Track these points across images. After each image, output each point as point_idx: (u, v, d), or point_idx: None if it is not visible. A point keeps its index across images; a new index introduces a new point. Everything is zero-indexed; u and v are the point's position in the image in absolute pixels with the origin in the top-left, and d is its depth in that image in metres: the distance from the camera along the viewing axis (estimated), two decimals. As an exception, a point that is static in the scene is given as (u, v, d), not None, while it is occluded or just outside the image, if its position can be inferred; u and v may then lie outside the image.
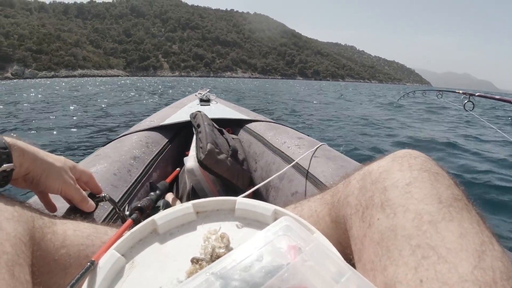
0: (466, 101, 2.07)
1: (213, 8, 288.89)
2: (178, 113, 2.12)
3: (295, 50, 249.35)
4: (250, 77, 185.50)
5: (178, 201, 1.24)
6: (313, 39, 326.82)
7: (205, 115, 1.51)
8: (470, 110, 2.02)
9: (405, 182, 0.49)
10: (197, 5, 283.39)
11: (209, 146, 1.20)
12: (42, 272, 0.51)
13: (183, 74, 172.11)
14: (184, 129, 1.88)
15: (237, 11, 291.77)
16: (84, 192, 0.72)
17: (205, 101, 2.57)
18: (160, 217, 0.54)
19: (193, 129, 1.42)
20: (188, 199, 1.27)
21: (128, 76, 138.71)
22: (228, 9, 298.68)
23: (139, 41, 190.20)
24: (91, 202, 0.73)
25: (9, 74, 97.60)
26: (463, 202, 0.45)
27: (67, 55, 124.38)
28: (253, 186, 1.01)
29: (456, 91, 2.38)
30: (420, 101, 13.14)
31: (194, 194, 1.29)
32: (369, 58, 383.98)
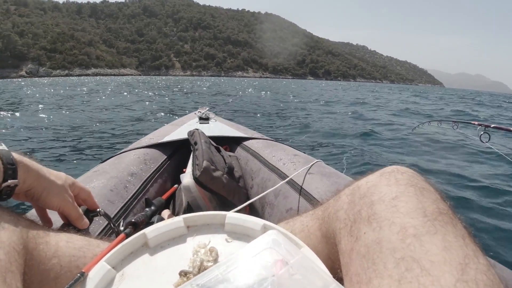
0: (482, 133, 2.04)
1: (225, 7, 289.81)
2: (178, 130, 2.16)
3: (306, 50, 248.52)
4: (261, 77, 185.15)
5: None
6: (324, 38, 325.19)
7: (202, 133, 1.54)
8: (487, 142, 2.01)
9: (391, 196, 0.49)
10: (209, 5, 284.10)
11: (205, 163, 1.21)
12: (33, 281, 0.52)
13: (194, 73, 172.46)
14: (182, 146, 1.90)
15: (248, 11, 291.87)
16: (80, 210, 0.73)
17: (204, 119, 2.60)
18: (151, 230, 0.55)
19: (191, 147, 1.44)
20: None
21: (140, 75, 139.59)
22: (240, 8, 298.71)
23: (151, 41, 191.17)
24: (86, 220, 0.74)
25: (23, 73, 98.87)
26: (448, 216, 0.46)
27: (80, 54, 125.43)
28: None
29: (472, 122, 2.35)
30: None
31: (190, 210, 1.28)
32: (381, 58, 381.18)
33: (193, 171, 1.23)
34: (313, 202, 1.07)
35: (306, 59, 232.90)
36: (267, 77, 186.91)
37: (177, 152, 1.87)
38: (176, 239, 0.56)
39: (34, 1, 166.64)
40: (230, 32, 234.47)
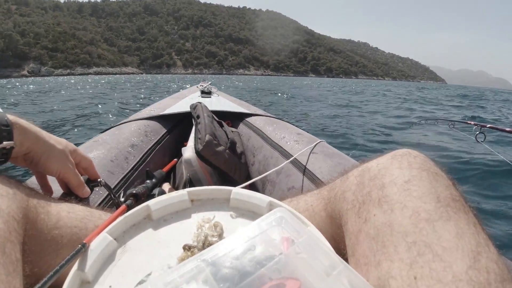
0: (477, 133, 2.07)
1: (226, 5, 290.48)
2: (179, 103, 2.13)
3: (308, 47, 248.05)
4: (262, 74, 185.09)
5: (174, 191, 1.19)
6: (325, 36, 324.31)
7: (205, 106, 1.51)
8: (482, 141, 2.03)
9: (403, 179, 0.49)
10: (210, 3, 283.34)
11: (207, 137, 1.19)
12: (34, 251, 0.50)
13: (196, 71, 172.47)
14: (184, 119, 1.88)
15: (249, 8, 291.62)
16: (81, 178, 0.71)
17: (206, 93, 2.56)
18: (154, 203, 0.54)
19: (193, 120, 1.42)
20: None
21: (142, 73, 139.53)
22: (241, 6, 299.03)
23: (152, 39, 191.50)
24: (87, 189, 0.73)
25: (25, 72, 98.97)
26: (460, 203, 0.45)
27: (82, 53, 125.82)
28: (250, 179, 1.01)
29: (468, 122, 2.38)
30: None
31: (191, 184, 1.28)
32: (382, 55, 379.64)
33: (195, 144, 1.21)
34: (316, 181, 1.06)
35: (308, 56, 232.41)
36: (268, 75, 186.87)
37: (178, 125, 1.83)
38: (180, 212, 0.56)
39: (35, 1, 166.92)
40: (231, 29, 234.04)
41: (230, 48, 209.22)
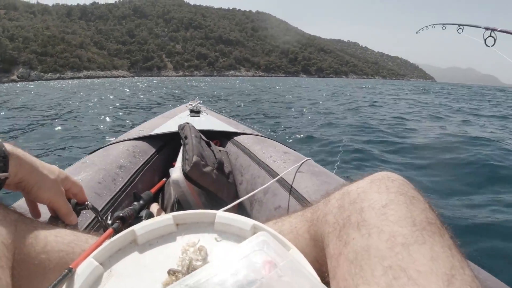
0: (487, 37, 2.00)
1: (216, 7, 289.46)
2: (168, 123, 2.13)
3: (298, 48, 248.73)
4: (253, 76, 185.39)
5: (162, 212, 1.25)
6: (315, 36, 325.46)
7: (193, 127, 1.52)
8: (492, 45, 1.98)
9: (381, 204, 0.50)
10: (200, 5, 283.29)
11: (195, 158, 1.20)
12: (22, 275, 0.51)
13: (187, 73, 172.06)
14: (172, 139, 1.87)
15: (239, 10, 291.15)
16: (70, 206, 0.73)
17: (195, 112, 2.57)
18: (140, 227, 0.54)
19: (181, 141, 1.42)
20: (173, 210, 1.26)
21: (132, 76, 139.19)
22: (231, 7, 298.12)
23: (142, 42, 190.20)
24: (75, 216, 0.73)
25: (15, 77, 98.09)
26: (436, 226, 0.47)
27: (72, 57, 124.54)
28: (238, 199, 1.02)
29: (478, 26, 2.30)
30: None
31: (179, 205, 1.28)
32: (372, 54, 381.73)
33: (182, 165, 1.21)
34: (302, 201, 1.07)
35: (298, 56, 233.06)
36: (260, 76, 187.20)
37: (167, 145, 1.83)
38: (165, 236, 0.56)
39: (24, 5, 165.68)
40: (222, 31, 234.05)
41: (221, 49, 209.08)
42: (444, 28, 3.42)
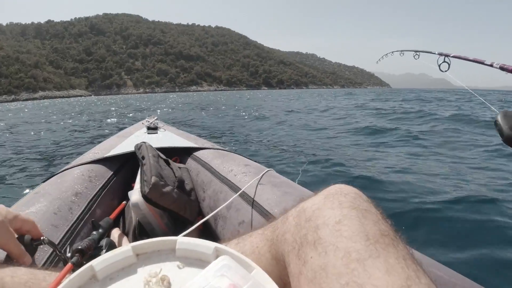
0: (441, 62, 2.07)
1: (174, 23, 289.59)
2: (124, 142, 2.06)
3: (259, 61, 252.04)
4: (216, 90, 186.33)
5: (125, 237, 1.22)
6: (275, 49, 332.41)
7: (150, 146, 1.49)
8: (446, 71, 2.05)
9: (335, 220, 0.51)
10: (158, 21, 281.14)
11: (153, 179, 1.18)
12: None
13: (147, 90, 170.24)
14: (130, 160, 1.80)
15: (198, 25, 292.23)
16: (22, 247, 0.70)
17: (152, 129, 2.54)
18: (98, 262, 0.52)
19: (139, 161, 1.39)
20: (135, 235, 1.27)
21: (90, 95, 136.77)
22: (190, 23, 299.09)
23: (100, 59, 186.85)
24: (28, 257, 0.70)
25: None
26: (389, 237, 0.47)
27: (27, 77, 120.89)
28: (202, 216, 0.97)
29: (432, 52, 2.42)
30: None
31: (141, 228, 1.26)
32: (330, 64, 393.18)
33: (141, 187, 1.19)
34: (264, 214, 1.07)
35: (259, 69, 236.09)
36: (222, 90, 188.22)
37: (125, 166, 1.78)
38: (126, 269, 0.54)
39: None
40: (182, 47, 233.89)
41: (182, 65, 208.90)
42: (402, 54, 3.65)
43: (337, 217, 0.51)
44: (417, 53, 2.96)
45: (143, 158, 1.36)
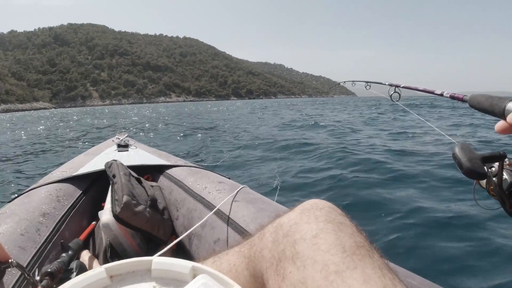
0: (392, 92, 2.01)
1: (142, 33, 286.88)
2: (94, 160, 2.02)
3: (227, 72, 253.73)
4: (184, 101, 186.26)
5: (95, 260, 1.18)
6: (243, 59, 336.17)
7: (121, 164, 1.46)
8: (397, 101, 2.02)
9: (312, 234, 0.51)
10: (125, 31, 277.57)
11: (125, 198, 1.15)
12: None
13: (114, 102, 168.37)
14: (100, 178, 1.75)
15: (166, 36, 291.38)
16: None
17: (123, 146, 2.48)
18: (70, 285, 0.50)
19: (109, 179, 1.35)
20: (105, 257, 1.24)
21: (55, 107, 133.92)
22: (157, 33, 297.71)
23: (65, 71, 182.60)
24: None
25: None
26: (365, 248, 0.49)
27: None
28: (176, 235, 1.02)
29: (383, 83, 2.41)
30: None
31: (112, 250, 1.22)
32: (297, 74, 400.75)
33: (112, 207, 1.15)
34: (240, 231, 1.07)
35: (228, 80, 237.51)
36: (191, 101, 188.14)
37: (94, 185, 1.73)
38: None
39: None
40: (149, 57, 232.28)
41: (149, 76, 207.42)
42: (353, 85, 3.48)
43: (313, 231, 0.52)
44: (368, 83, 2.96)
45: (114, 176, 1.32)
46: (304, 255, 0.49)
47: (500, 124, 0.51)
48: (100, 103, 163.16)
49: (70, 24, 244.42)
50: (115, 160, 1.50)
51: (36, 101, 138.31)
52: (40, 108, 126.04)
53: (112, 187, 1.27)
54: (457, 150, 0.53)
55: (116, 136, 2.79)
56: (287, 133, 9.32)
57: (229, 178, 1.61)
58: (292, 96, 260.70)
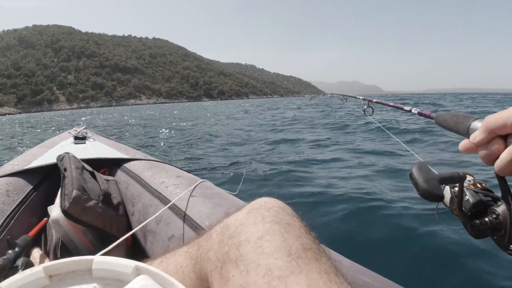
0: (366, 107, 2.13)
1: (109, 34, 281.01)
2: (48, 153, 1.92)
3: (198, 73, 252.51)
4: (155, 103, 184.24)
5: (46, 258, 1.15)
6: (214, 60, 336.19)
7: (73, 156, 1.40)
8: (370, 115, 2.10)
9: (257, 236, 0.50)
10: (92, 32, 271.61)
11: (74, 192, 1.11)
12: None
13: (82, 105, 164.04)
14: (53, 172, 1.64)
15: (135, 37, 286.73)
16: None
17: (80, 138, 2.40)
18: (6, 285, 0.48)
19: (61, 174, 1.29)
20: (56, 254, 1.20)
21: (20, 113, 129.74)
22: (125, 34, 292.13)
23: (30, 74, 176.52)
24: None
25: None
26: (312, 251, 0.47)
27: None
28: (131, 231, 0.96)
29: (357, 97, 2.50)
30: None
31: (63, 247, 1.18)
32: (268, 75, 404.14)
33: (61, 202, 1.10)
34: (195, 227, 1.04)
35: (199, 81, 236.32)
36: (162, 102, 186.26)
37: (47, 179, 1.63)
38: None
39: None
40: (118, 59, 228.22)
41: (118, 78, 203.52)
42: (332, 97, 3.64)
43: (259, 232, 0.50)
44: (345, 97, 3.16)
45: (65, 170, 1.27)
46: (248, 258, 0.47)
47: (464, 143, 0.50)
48: (67, 107, 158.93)
49: (35, 26, 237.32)
50: (67, 153, 1.43)
51: (1, 106, 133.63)
52: (5, 114, 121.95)
53: (62, 181, 1.22)
54: (414, 170, 0.52)
55: (74, 128, 2.70)
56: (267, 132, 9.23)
57: (189, 172, 1.55)
58: (264, 96, 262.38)
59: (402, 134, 5.26)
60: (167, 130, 11.30)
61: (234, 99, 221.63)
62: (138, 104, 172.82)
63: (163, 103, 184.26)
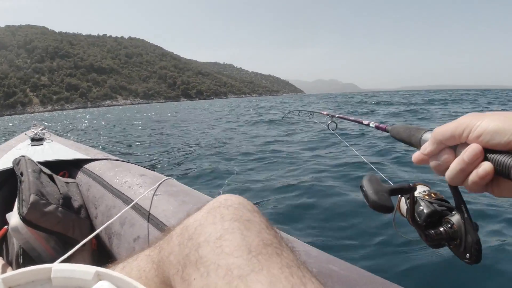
0: (329, 122, 2.11)
1: (84, 34, 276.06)
2: (3, 158, 1.82)
3: (176, 72, 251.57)
4: (132, 104, 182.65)
5: (9, 268, 1.10)
6: (192, 60, 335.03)
7: (30, 160, 1.33)
8: (334, 130, 2.11)
9: (216, 236, 0.49)
10: (66, 32, 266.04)
11: (32, 198, 1.06)
12: None
13: (56, 107, 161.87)
14: (10, 177, 1.57)
15: (110, 36, 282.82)
16: None
17: (37, 140, 2.29)
18: None
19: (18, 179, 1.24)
20: (18, 263, 1.16)
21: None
22: (100, 34, 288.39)
23: (2, 76, 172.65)
24: None
25: None
26: (273, 246, 0.47)
27: None
28: (95, 236, 0.91)
29: (322, 112, 2.54)
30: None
31: (25, 255, 1.14)
32: (247, 74, 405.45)
33: (19, 208, 1.05)
34: (161, 227, 1.01)
35: (177, 81, 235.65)
36: (139, 103, 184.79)
37: (5, 185, 1.57)
38: None
39: None
40: (93, 59, 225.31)
41: (93, 78, 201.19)
42: (300, 113, 3.84)
43: (218, 232, 0.49)
44: (311, 113, 3.26)
45: (21, 174, 1.20)
46: (208, 259, 0.47)
47: (416, 155, 0.50)
48: (41, 110, 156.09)
49: (7, 26, 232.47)
50: (24, 156, 1.37)
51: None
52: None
53: (19, 186, 1.18)
54: (364, 183, 0.53)
55: (31, 129, 2.61)
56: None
57: (153, 170, 1.52)
58: (243, 96, 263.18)
59: (371, 148, 5.32)
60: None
61: (212, 98, 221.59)
62: (114, 105, 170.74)
63: (140, 104, 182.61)
